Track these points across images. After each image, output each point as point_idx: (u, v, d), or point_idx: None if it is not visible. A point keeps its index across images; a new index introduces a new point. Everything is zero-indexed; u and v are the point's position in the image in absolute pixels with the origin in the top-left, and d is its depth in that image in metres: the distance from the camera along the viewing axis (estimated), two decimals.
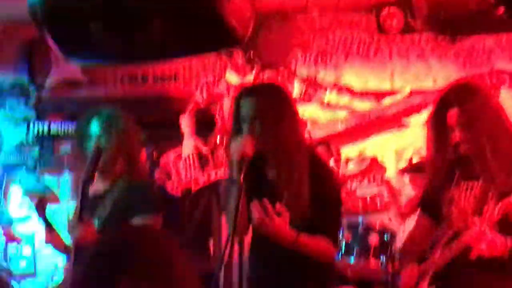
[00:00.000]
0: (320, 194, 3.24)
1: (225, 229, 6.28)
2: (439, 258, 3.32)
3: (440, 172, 3.48)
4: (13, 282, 6.43)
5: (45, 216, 4.06)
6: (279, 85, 3.57)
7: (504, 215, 3.11)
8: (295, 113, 3.40)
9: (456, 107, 3.31)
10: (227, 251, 3.16)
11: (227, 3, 2.58)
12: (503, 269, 3.20)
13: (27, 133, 6.62)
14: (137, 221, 3.75)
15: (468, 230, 3.19)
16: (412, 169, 5.36)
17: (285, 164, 3.25)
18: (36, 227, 6.45)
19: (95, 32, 2.89)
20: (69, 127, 6.53)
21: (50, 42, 3.04)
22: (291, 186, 3.22)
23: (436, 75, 6.28)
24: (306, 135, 6.20)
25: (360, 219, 5.06)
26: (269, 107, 3.26)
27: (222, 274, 3.29)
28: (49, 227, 4.02)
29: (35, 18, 2.99)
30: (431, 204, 3.52)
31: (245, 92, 3.39)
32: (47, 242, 4.09)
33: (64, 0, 2.91)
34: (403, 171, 5.52)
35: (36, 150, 6.63)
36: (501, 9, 2.33)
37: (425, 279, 3.35)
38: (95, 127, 4.01)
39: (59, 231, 4.11)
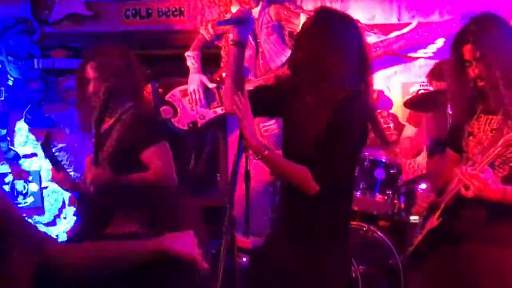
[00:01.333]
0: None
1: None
2: (448, 192, 3.35)
3: (461, 106, 3.48)
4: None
5: (52, 154, 4.07)
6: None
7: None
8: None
9: (471, 42, 3.29)
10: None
11: None
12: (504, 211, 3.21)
13: (32, 70, 6.60)
14: (146, 153, 3.81)
15: (460, 168, 3.18)
16: (414, 103, 5.33)
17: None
18: (43, 163, 6.50)
19: None
20: (74, 63, 6.51)
21: None
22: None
23: (443, 8, 6.22)
24: None
25: (366, 153, 5.06)
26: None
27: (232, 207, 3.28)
28: (55, 165, 4.04)
29: None
30: (455, 138, 3.52)
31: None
32: (53, 180, 4.12)
33: None
34: (405, 104, 5.50)
35: (41, 86, 6.61)
36: None
37: (436, 212, 3.38)
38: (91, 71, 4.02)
39: (65, 169, 4.13)
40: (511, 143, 3.05)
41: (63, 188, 4.18)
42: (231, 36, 3.50)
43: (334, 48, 3.19)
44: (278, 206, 3.59)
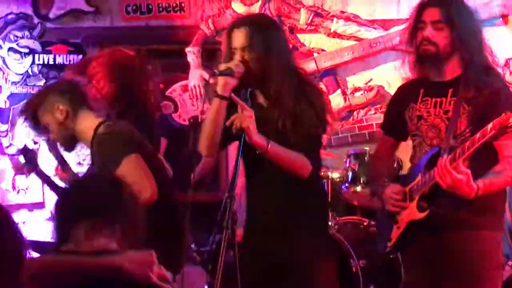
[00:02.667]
0: (305, 112, 3.38)
1: (231, 159, 6.33)
2: (422, 182, 3.31)
3: (407, 87, 3.59)
4: (24, 211, 6.54)
5: (56, 149, 4.04)
6: (266, 15, 3.70)
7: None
8: (284, 41, 3.61)
9: (437, 5, 3.32)
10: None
11: None
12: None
13: (33, 65, 6.62)
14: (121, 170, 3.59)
15: (436, 166, 3.16)
16: None
17: (272, 86, 3.40)
18: (43, 157, 6.51)
19: None
20: (74, 59, 6.53)
21: None
22: (276, 102, 3.40)
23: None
24: (313, 64, 6.22)
25: (367, 148, 5.08)
26: (258, 36, 3.39)
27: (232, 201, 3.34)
28: (59, 160, 4.03)
29: None
30: (392, 123, 3.60)
31: (236, 23, 3.51)
32: (56, 175, 4.10)
33: None
34: None
35: (42, 81, 6.63)
36: None
37: (412, 202, 3.37)
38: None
39: (69, 164, 4.12)
40: (503, 125, 3.04)
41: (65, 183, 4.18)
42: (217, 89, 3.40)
43: None
44: (256, 199, 3.59)
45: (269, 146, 3.30)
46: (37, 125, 3.65)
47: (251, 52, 3.38)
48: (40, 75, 6.60)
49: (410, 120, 3.45)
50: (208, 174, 6.35)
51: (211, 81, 3.62)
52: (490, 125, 3.03)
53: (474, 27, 3.39)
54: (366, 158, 5.01)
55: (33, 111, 3.58)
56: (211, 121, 3.44)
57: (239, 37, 3.41)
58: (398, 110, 3.54)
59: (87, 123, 3.52)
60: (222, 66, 3.37)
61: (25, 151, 4.21)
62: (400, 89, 3.71)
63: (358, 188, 5.01)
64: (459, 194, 3.12)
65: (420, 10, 3.38)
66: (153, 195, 3.34)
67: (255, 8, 6.22)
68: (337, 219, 5.09)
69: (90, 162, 3.74)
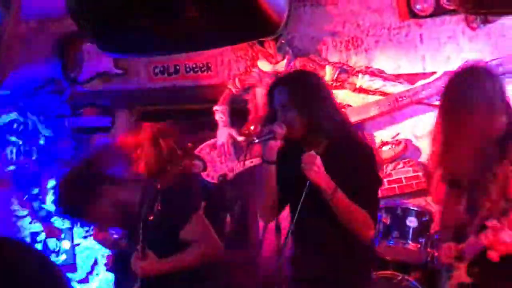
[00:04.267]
0: (360, 171, 3.42)
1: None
2: (472, 245, 3.33)
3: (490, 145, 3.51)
4: None
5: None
6: (308, 71, 3.74)
7: None
8: (328, 95, 3.62)
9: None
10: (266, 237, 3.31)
11: None
12: None
13: (62, 128, 6.70)
14: (187, 230, 3.74)
15: (487, 231, 3.17)
16: None
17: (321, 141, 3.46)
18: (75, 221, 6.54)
19: (133, 25, 2.91)
20: (104, 121, 6.61)
21: (87, 35, 3.08)
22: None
23: (467, 56, 6.26)
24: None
25: (397, 202, 5.06)
26: (300, 93, 3.45)
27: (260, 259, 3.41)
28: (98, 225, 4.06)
29: (72, 11, 3.01)
30: (462, 179, 3.55)
31: (277, 81, 3.56)
32: (95, 239, 4.13)
33: None
34: None
35: (72, 144, 6.70)
36: None
37: (463, 261, 3.35)
38: None
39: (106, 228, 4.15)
40: None
41: (104, 246, 4.19)
42: (263, 155, 3.53)
43: None
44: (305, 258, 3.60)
45: (336, 193, 3.33)
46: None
47: (292, 110, 3.43)
48: (70, 138, 6.67)
49: None
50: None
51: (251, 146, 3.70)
52: None
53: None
54: (397, 212, 4.99)
55: None
56: (265, 187, 3.51)
57: (280, 96, 3.49)
58: None
59: None
60: (265, 130, 3.41)
61: None
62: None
63: (391, 242, 4.98)
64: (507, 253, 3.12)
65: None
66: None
67: (281, 66, 6.29)
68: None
69: None
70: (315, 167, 3.31)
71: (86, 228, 6.47)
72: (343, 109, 3.93)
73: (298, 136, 3.50)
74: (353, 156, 3.44)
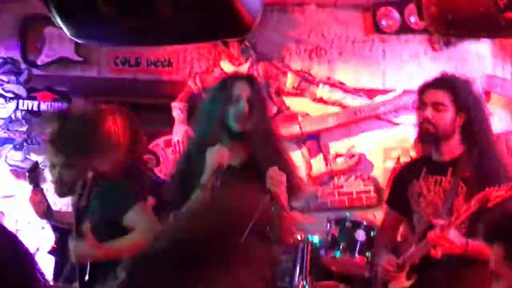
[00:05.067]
0: None
1: None
2: (414, 252, 3.43)
3: (411, 164, 3.76)
4: None
5: (36, 177, 4.04)
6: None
7: (471, 213, 3.22)
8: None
9: (441, 88, 3.47)
10: None
11: None
12: (467, 265, 3.34)
13: (16, 110, 6.59)
14: (129, 216, 3.67)
15: (431, 230, 3.30)
16: None
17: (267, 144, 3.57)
18: (19, 205, 6.43)
19: (104, 12, 2.88)
20: (59, 107, 6.51)
21: (53, 18, 3.03)
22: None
23: (428, 76, 6.32)
24: (297, 128, 6.26)
25: (347, 214, 5.09)
26: (260, 93, 3.66)
27: None
28: (36, 187, 4.00)
29: None
30: (397, 198, 3.72)
31: (238, 76, 3.75)
32: (30, 201, 4.05)
33: None
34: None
35: (24, 127, 6.59)
36: (509, 13, 2.37)
37: (403, 271, 3.43)
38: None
39: (44, 195, 4.07)
40: (485, 199, 3.14)
41: (38, 214, 4.10)
42: None
43: None
44: None
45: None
46: None
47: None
48: (23, 121, 6.56)
49: (412, 197, 3.54)
50: None
51: None
52: (473, 200, 3.14)
53: (482, 114, 3.55)
54: (346, 224, 5.01)
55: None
56: None
57: (245, 89, 3.58)
58: (402, 187, 3.63)
59: None
60: None
61: (31, 169, 4.18)
62: (405, 166, 3.83)
63: (337, 254, 5.00)
64: (451, 253, 3.25)
65: (423, 89, 3.52)
66: None
67: (244, 69, 6.28)
68: (315, 283, 5.08)
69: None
70: (280, 184, 3.33)
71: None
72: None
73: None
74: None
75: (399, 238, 3.95)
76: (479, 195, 3.17)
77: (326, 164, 6.30)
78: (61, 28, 3.02)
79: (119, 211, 3.64)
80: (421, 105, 3.51)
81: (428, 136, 3.49)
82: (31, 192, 4.01)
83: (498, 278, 2.16)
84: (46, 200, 4.06)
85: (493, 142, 3.61)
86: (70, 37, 3.10)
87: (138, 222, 3.65)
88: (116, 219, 3.66)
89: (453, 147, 3.51)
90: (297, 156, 6.29)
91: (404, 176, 3.70)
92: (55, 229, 4.87)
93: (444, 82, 3.51)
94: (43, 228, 5.99)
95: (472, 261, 3.28)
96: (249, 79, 3.69)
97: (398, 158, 6.10)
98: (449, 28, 2.63)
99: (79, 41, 3.68)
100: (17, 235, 4.98)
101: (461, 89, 3.50)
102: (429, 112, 3.45)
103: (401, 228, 3.96)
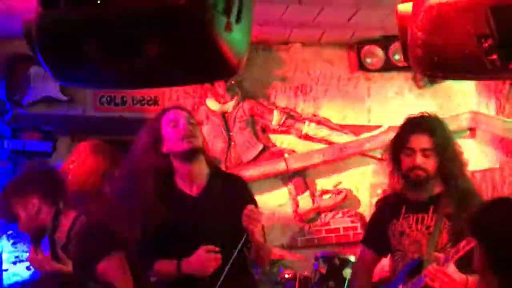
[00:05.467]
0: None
1: None
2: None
3: (388, 203, 3.71)
4: None
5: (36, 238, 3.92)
6: None
7: (467, 252, 3.19)
8: None
9: (425, 133, 3.44)
10: None
11: (225, 36, 2.60)
12: None
13: (1, 150, 6.55)
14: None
15: (427, 268, 3.28)
16: None
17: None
18: (4, 245, 6.38)
19: (89, 55, 2.87)
20: (45, 146, 6.48)
21: (42, 62, 3.02)
22: None
23: (413, 112, 6.36)
24: (283, 165, 6.26)
25: (336, 251, 5.09)
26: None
27: None
28: (35, 245, 3.91)
29: (28, 36, 2.96)
30: (374, 238, 3.72)
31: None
32: (31, 262, 3.97)
33: (61, 22, 2.89)
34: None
35: (8, 167, 6.56)
36: (494, 56, 2.40)
37: None
38: None
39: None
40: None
41: (38, 269, 4.03)
42: None
43: None
44: None
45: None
46: (8, 214, 3.64)
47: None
48: (8, 161, 6.53)
49: (393, 235, 3.54)
50: None
51: None
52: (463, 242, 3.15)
53: (456, 152, 3.58)
54: (334, 262, 5.00)
55: (7, 198, 3.57)
56: None
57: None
58: (381, 225, 3.63)
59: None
60: None
61: None
62: (382, 205, 3.81)
63: None
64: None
65: (406, 135, 3.49)
66: None
67: (229, 106, 6.31)
68: None
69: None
70: (256, 222, 3.31)
71: (16, 254, 6.31)
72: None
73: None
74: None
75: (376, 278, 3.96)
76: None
77: (313, 201, 6.30)
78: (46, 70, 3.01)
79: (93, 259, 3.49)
80: (407, 151, 3.50)
81: (419, 182, 3.50)
82: (31, 251, 3.91)
83: None
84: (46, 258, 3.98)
85: (470, 179, 3.66)
86: (55, 80, 3.10)
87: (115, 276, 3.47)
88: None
89: (433, 186, 3.54)
90: (283, 193, 6.29)
91: (382, 216, 3.70)
92: None
93: (427, 126, 3.53)
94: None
95: None
96: None
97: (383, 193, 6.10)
98: (435, 70, 2.65)
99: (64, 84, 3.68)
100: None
101: (439, 130, 3.54)
102: (419, 159, 3.47)
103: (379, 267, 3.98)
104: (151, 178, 3.36)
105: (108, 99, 6.57)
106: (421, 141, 3.49)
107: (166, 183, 3.40)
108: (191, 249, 3.30)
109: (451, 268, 3.22)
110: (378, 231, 3.68)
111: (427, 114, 3.67)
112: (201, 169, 3.45)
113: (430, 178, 3.49)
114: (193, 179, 3.43)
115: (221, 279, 3.22)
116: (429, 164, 3.48)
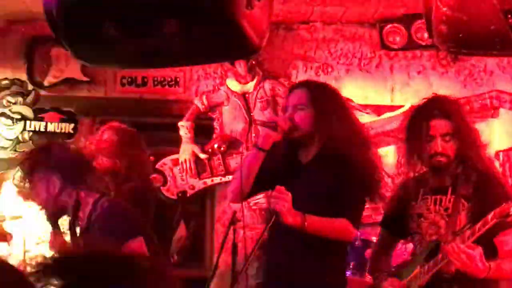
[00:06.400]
0: (346, 176, 3.47)
1: (218, 236, 6.28)
2: (421, 273, 3.39)
3: (407, 186, 3.64)
4: None
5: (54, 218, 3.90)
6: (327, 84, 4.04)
7: (488, 229, 3.18)
8: (340, 108, 3.78)
9: (444, 117, 3.38)
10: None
11: (247, 13, 2.56)
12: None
13: (24, 131, 6.58)
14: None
15: (446, 245, 3.25)
16: None
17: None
18: (27, 226, 6.42)
19: (109, 35, 2.85)
20: (66, 127, 6.50)
21: (63, 43, 3.01)
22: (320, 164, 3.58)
23: (436, 92, 6.30)
24: None
25: (358, 232, 5.05)
26: (319, 96, 3.68)
27: (214, 281, 3.38)
28: (55, 230, 3.91)
29: (49, 17, 2.95)
30: (393, 220, 3.72)
31: (297, 84, 3.94)
32: (51, 246, 3.97)
33: (80, 2, 2.87)
34: None
35: (31, 148, 6.58)
36: None
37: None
38: None
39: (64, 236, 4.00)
40: (504, 214, 3.12)
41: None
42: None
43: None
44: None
45: (306, 223, 3.37)
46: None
47: (306, 109, 3.54)
48: (31, 142, 6.55)
49: (411, 218, 3.51)
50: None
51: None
52: (491, 214, 3.10)
53: (474, 134, 3.55)
54: (356, 243, 4.97)
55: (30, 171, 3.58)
56: (246, 168, 3.57)
57: (295, 96, 3.62)
58: (399, 208, 3.61)
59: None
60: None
61: None
62: (400, 188, 3.76)
63: (348, 273, 4.95)
64: (470, 273, 3.18)
65: (425, 121, 3.45)
66: None
67: (250, 87, 6.27)
68: None
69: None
70: (283, 202, 3.32)
71: (39, 235, 6.35)
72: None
73: (300, 135, 3.58)
74: (339, 164, 3.48)
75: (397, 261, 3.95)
76: (497, 210, 3.14)
77: None
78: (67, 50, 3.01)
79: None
80: (427, 137, 3.45)
81: (441, 167, 3.46)
82: (51, 236, 3.91)
83: None
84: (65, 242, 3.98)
85: (488, 160, 3.60)
86: (76, 60, 3.09)
87: None
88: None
89: (452, 169, 3.49)
90: None
91: (401, 199, 3.66)
92: None
93: (445, 110, 3.47)
94: None
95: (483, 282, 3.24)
96: (305, 84, 3.83)
97: None
98: (460, 46, 2.61)
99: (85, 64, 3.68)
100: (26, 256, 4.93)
101: (457, 114, 3.49)
102: (439, 145, 3.42)
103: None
104: None
105: (129, 80, 6.57)
106: (440, 127, 3.44)
107: None
108: None
109: (477, 252, 3.15)
110: (397, 213, 3.66)
111: (443, 97, 3.63)
112: None
113: (451, 162, 3.45)
114: None
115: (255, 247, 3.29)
116: (449, 149, 3.43)
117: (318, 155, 3.59)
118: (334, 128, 3.53)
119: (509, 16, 2.38)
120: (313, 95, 3.60)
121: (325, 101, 3.61)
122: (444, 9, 2.45)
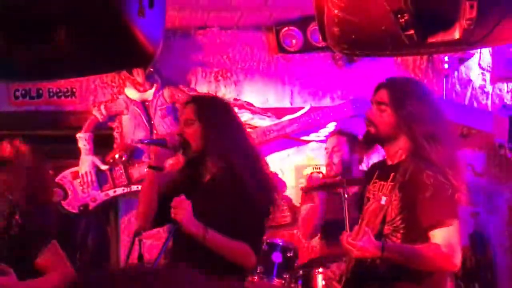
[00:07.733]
0: (240, 205, 3.47)
1: (124, 247, 6.17)
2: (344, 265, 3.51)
3: (370, 167, 3.72)
4: None
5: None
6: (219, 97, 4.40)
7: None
8: (231, 121, 3.77)
9: (385, 87, 3.43)
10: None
11: (139, 21, 2.51)
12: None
13: None
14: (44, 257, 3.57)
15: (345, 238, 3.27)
16: (314, 187, 5.38)
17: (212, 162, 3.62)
18: None
19: None
20: None
21: None
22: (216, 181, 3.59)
23: (334, 93, 6.40)
24: None
25: (264, 236, 5.05)
26: (206, 111, 3.68)
27: None
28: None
29: None
30: (360, 205, 3.62)
31: (187, 99, 3.94)
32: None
33: None
34: (305, 190, 5.52)
35: None
36: (411, 31, 2.39)
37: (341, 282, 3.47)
38: None
39: None
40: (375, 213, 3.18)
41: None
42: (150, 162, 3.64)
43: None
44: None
45: (207, 236, 3.36)
46: None
47: (194, 125, 3.53)
48: None
49: (363, 201, 3.49)
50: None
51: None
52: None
53: (423, 112, 3.34)
54: (263, 247, 4.96)
55: None
56: (144, 193, 3.55)
57: (184, 111, 3.63)
58: (362, 190, 3.65)
59: None
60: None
61: None
62: (368, 169, 3.78)
63: (255, 278, 4.95)
64: (369, 257, 3.22)
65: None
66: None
67: (149, 95, 6.20)
68: None
69: None
70: (183, 211, 3.31)
71: None
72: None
73: (196, 150, 3.56)
74: (235, 188, 3.46)
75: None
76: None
77: None
78: None
79: (31, 250, 3.53)
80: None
81: (369, 137, 3.44)
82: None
83: None
84: None
85: (433, 150, 3.29)
86: None
87: (53, 263, 3.57)
88: (27, 258, 3.56)
89: (398, 151, 3.37)
90: None
91: (364, 180, 3.66)
92: None
93: (391, 81, 3.51)
94: None
95: (410, 275, 3.27)
96: (194, 99, 3.84)
97: (310, 175, 6.09)
98: (353, 48, 2.63)
99: None
100: None
101: (399, 86, 3.50)
102: (370, 111, 3.41)
103: None
104: None
105: (23, 92, 6.36)
106: (378, 95, 3.43)
107: None
108: None
109: (364, 241, 3.16)
110: (360, 194, 3.67)
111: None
112: None
113: (383, 137, 3.38)
114: None
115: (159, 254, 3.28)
116: (383, 120, 3.34)
117: (216, 174, 3.58)
118: (224, 146, 3.53)
119: (399, 16, 2.41)
120: (201, 110, 3.59)
121: (213, 116, 3.61)
122: (336, 11, 2.46)
